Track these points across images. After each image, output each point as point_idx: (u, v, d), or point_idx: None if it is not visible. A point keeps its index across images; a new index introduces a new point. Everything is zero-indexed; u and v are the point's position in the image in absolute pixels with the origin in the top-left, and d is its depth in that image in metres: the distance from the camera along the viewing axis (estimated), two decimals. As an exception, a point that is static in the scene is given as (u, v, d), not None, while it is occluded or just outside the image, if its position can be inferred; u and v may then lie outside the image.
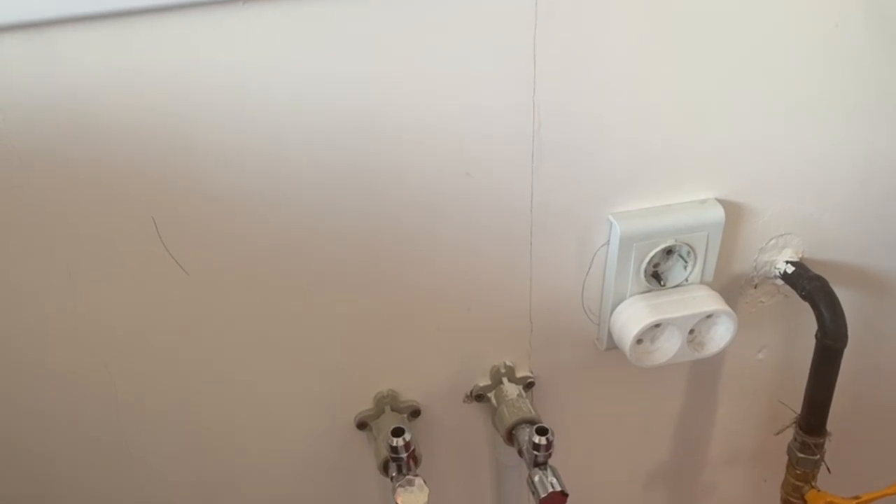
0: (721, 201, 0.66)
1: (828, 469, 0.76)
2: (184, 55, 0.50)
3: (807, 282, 0.69)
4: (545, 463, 0.64)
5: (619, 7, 0.55)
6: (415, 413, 0.72)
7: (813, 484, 0.77)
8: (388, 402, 0.71)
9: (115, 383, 0.64)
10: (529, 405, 0.70)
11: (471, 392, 0.73)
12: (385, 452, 0.64)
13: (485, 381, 0.73)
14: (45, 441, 0.66)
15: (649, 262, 0.66)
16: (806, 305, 0.70)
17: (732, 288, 0.73)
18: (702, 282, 0.68)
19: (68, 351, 0.61)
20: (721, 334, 0.68)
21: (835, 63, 0.62)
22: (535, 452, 0.64)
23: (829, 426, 0.74)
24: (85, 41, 0.49)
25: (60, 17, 0.47)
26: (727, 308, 0.66)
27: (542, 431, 0.64)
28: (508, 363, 0.72)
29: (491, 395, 0.72)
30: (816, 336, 0.69)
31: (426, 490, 0.61)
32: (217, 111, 0.53)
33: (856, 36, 0.61)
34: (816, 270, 0.70)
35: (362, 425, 0.72)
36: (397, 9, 0.52)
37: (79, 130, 0.51)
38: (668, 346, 0.67)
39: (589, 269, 0.68)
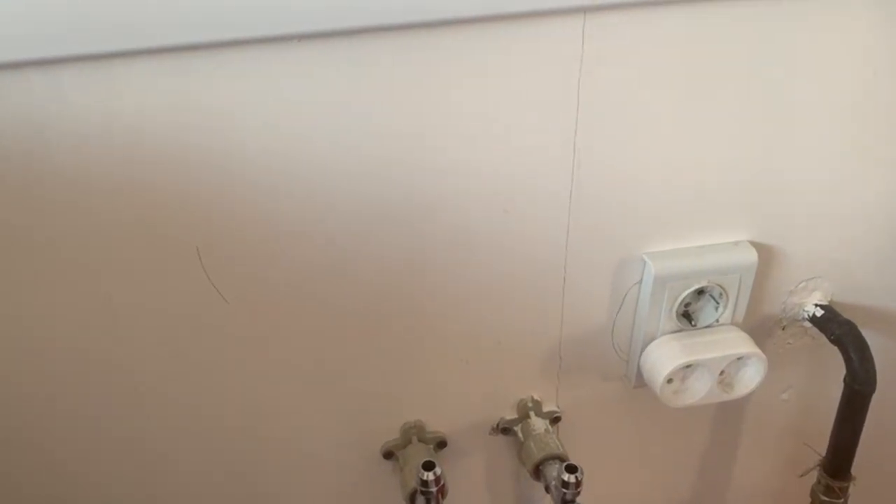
0: (753, 243, 0.66)
1: (852, 513, 0.75)
2: (236, 92, 0.51)
3: (836, 326, 0.69)
4: (573, 501, 0.64)
5: (660, 58, 0.56)
6: (441, 444, 0.72)
7: (836, 527, 0.76)
8: (414, 432, 0.71)
9: (145, 405, 0.64)
10: (557, 440, 0.70)
11: (497, 425, 0.73)
12: (413, 484, 0.64)
13: (512, 415, 0.73)
14: (77, 463, 0.66)
15: (681, 302, 0.66)
16: (832, 348, 0.70)
17: (761, 329, 0.73)
18: (732, 323, 0.68)
19: (103, 375, 0.61)
20: (751, 376, 0.68)
21: (869, 111, 0.63)
22: (564, 490, 0.64)
23: (854, 470, 0.74)
24: (144, 74, 0.49)
25: (123, 50, 0.48)
26: (758, 351, 0.66)
27: (571, 469, 0.64)
28: (536, 397, 0.72)
29: (517, 428, 0.73)
30: (845, 380, 0.69)
31: (455, 525, 0.62)
32: (262, 148, 0.54)
33: (889, 86, 0.62)
34: (845, 314, 0.70)
35: (388, 455, 0.72)
36: (442, 48, 0.53)
37: (131, 161, 0.52)
38: (698, 387, 0.67)
39: (620, 306, 0.68)
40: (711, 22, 0.55)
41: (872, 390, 0.69)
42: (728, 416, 0.80)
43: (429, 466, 0.62)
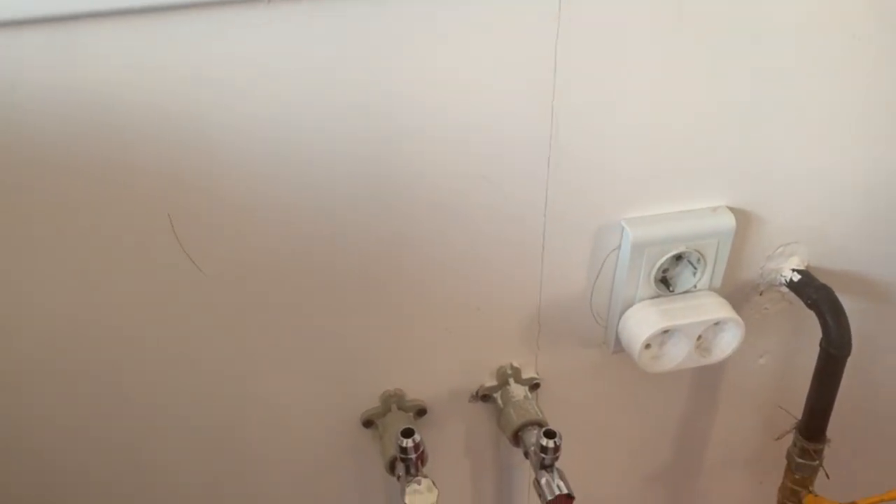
0: (731, 209, 0.66)
1: (826, 475, 0.77)
2: (206, 55, 0.50)
3: (813, 290, 0.70)
4: (552, 465, 0.65)
5: (639, 21, 0.55)
6: (421, 412, 0.72)
7: (811, 489, 0.78)
8: (394, 400, 0.71)
9: (123, 381, 0.64)
10: (536, 407, 0.71)
11: (477, 392, 0.73)
12: (393, 451, 0.65)
13: (491, 382, 0.73)
14: (51, 440, 0.65)
15: (659, 268, 0.66)
16: (808, 313, 0.70)
17: (738, 294, 0.73)
18: (710, 288, 0.68)
19: (79, 349, 0.61)
20: (728, 341, 0.68)
21: (845, 77, 0.63)
22: (543, 455, 0.64)
23: (829, 433, 0.75)
24: (107, 37, 0.48)
25: (83, 11, 0.47)
26: (736, 316, 0.66)
27: (550, 434, 0.64)
28: (515, 364, 0.72)
29: (497, 395, 0.73)
30: (821, 344, 0.70)
31: (435, 491, 0.62)
32: (236, 112, 0.53)
33: (871, 49, 0.61)
34: (822, 279, 0.71)
35: (368, 423, 0.72)
36: (418, 11, 0.52)
37: (97, 126, 0.51)
38: (676, 352, 0.68)
39: (599, 272, 0.68)
40: (690, -17, 0.55)
41: (847, 354, 0.69)
42: (706, 380, 0.80)
43: (408, 433, 0.62)
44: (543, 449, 0.64)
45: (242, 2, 0.49)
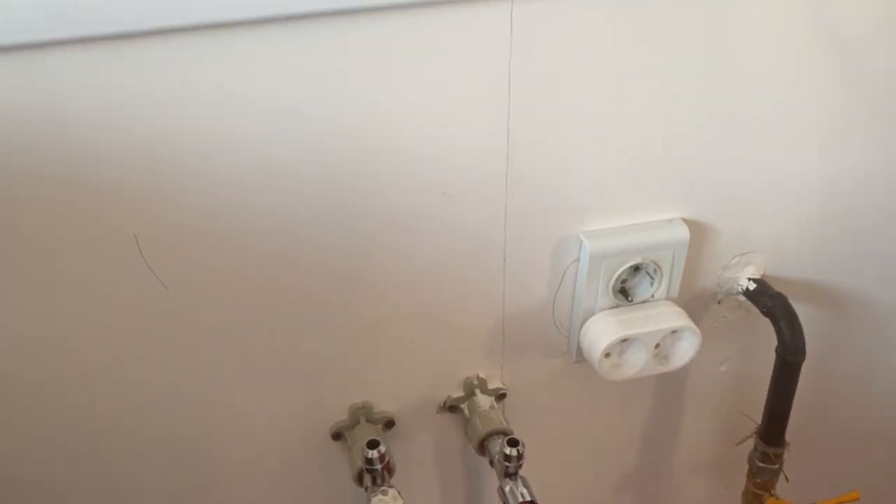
0: (686, 221, 0.69)
1: (786, 478, 0.79)
2: (167, 75, 0.52)
3: (768, 298, 0.72)
4: (516, 474, 0.66)
5: (587, 41, 0.57)
6: (389, 424, 0.74)
7: (772, 492, 0.80)
8: (362, 412, 0.72)
9: (91, 394, 0.64)
10: (501, 416, 0.72)
11: (444, 403, 0.75)
12: (360, 463, 0.66)
13: (458, 393, 0.74)
14: (20, 453, 0.66)
15: (617, 279, 0.68)
16: (766, 320, 0.72)
17: (697, 303, 0.75)
18: (667, 298, 0.70)
19: (46, 364, 0.62)
20: (685, 349, 0.70)
21: (794, 89, 0.65)
22: (507, 463, 0.66)
23: (788, 437, 0.77)
24: (71, 63, 0.49)
25: (49, 40, 0.48)
26: (691, 324, 0.68)
27: (513, 443, 0.66)
28: (481, 375, 0.74)
29: (464, 406, 0.74)
30: (776, 351, 0.72)
31: (400, 500, 0.63)
32: (199, 131, 0.54)
33: (816, 62, 0.64)
34: (777, 287, 0.73)
35: (337, 436, 0.73)
36: (376, 36, 0.53)
37: (62, 149, 0.52)
38: (635, 360, 0.70)
39: (560, 284, 0.70)
40: (635, 5, 0.57)
41: (802, 359, 0.72)
42: (669, 389, 0.82)
43: (373, 445, 0.64)
44: (507, 457, 0.66)
45: (204, 28, 0.50)
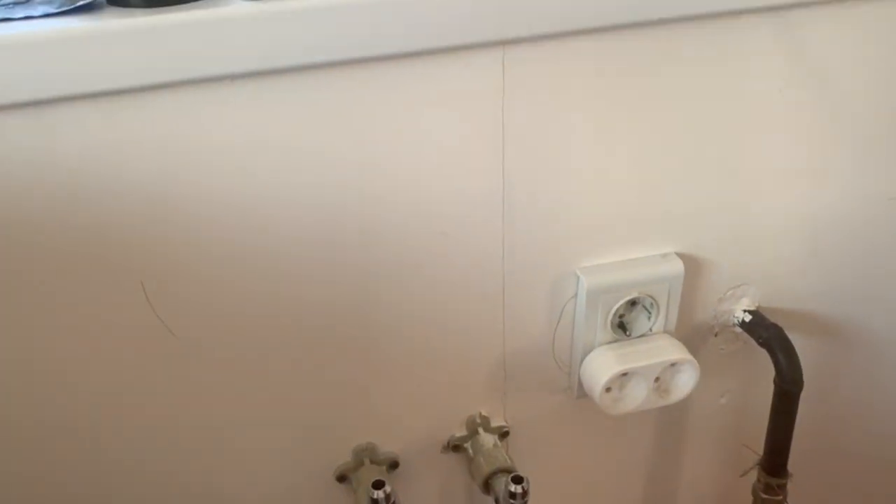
0: (680, 255, 0.70)
1: (790, 509, 0.79)
2: (175, 130, 0.53)
3: (763, 330, 0.73)
4: (521, 511, 0.67)
5: (576, 84, 0.60)
6: (393, 465, 0.74)
7: (777, 524, 0.80)
8: (367, 454, 0.73)
9: (99, 437, 0.65)
10: (505, 454, 0.72)
11: (448, 443, 0.75)
12: (366, 504, 0.66)
13: (461, 432, 0.75)
14: (27, 497, 0.66)
15: (615, 314, 0.69)
16: (763, 351, 0.73)
17: (695, 336, 0.76)
18: (665, 331, 0.72)
19: (55, 408, 0.62)
20: (685, 381, 0.71)
21: (779, 126, 0.67)
22: (512, 501, 0.66)
23: (791, 467, 0.77)
24: (79, 117, 0.51)
25: (57, 96, 0.50)
26: (689, 356, 0.69)
27: (517, 480, 0.66)
28: (484, 413, 0.75)
29: (468, 445, 0.75)
30: (774, 381, 0.73)
31: (407, 541, 0.63)
32: (205, 183, 0.56)
33: (799, 101, 0.66)
34: (772, 318, 0.74)
35: (342, 478, 0.73)
36: (374, 85, 0.56)
37: (70, 199, 0.54)
38: (636, 394, 0.70)
39: (558, 320, 0.71)
40: (621, 49, 0.59)
41: (800, 389, 0.73)
42: (670, 422, 0.83)
43: (378, 485, 0.64)
44: (512, 495, 0.66)
45: (207, 81, 0.52)
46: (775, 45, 0.63)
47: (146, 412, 0.65)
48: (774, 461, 0.77)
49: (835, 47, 0.65)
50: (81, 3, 0.50)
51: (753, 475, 0.80)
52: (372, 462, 0.73)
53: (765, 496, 0.78)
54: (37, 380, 0.61)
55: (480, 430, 0.74)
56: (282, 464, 0.71)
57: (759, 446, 0.78)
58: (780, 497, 0.78)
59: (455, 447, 0.75)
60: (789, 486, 0.78)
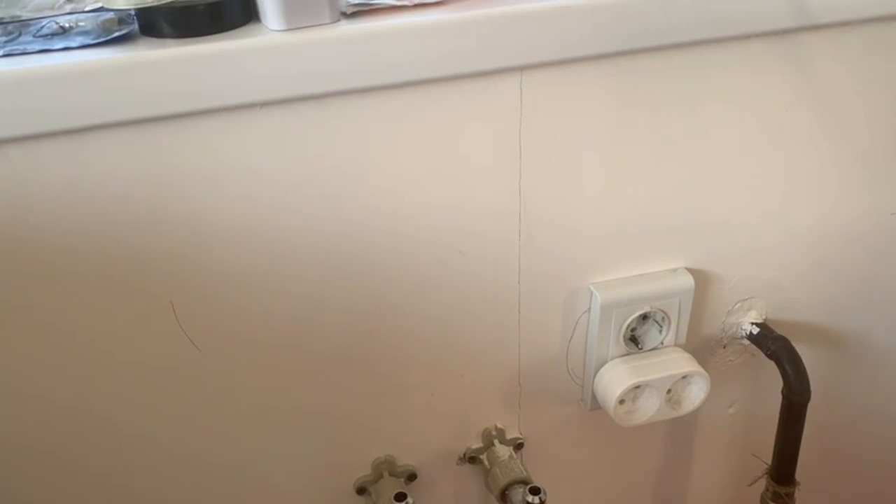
0: (690, 270, 0.72)
1: (799, 517, 0.81)
2: (205, 156, 0.55)
3: (771, 342, 0.75)
4: (539, 521, 0.68)
5: (591, 106, 0.62)
6: (411, 477, 0.76)
7: (786, 532, 0.81)
8: (385, 467, 0.74)
9: (123, 450, 0.67)
10: (521, 465, 0.74)
11: (464, 455, 0.77)
12: (387, 516, 0.68)
13: (477, 444, 0.77)
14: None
15: (627, 328, 0.71)
16: (770, 363, 0.75)
17: (704, 348, 0.78)
18: (676, 344, 0.73)
19: (81, 422, 0.64)
20: (696, 393, 0.73)
21: (785, 144, 0.69)
22: (529, 511, 0.68)
23: (798, 476, 0.79)
24: (114, 144, 0.53)
25: (93, 124, 0.52)
26: (700, 369, 0.71)
27: (535, 491, 0.68)
28: (499, 425, 0.76)
29: (483, 457, 0.76)
30: (782, 392, 0.75)
31: (428, 551, 0.65)
32: (231, 207, 0.58)
33: (803, 119, 0.68)
34: (779, 331, 0.76)
35: (361, 490, 0.75)
36: (397, 109, 0.58)
37: (106, 226, 0.56)
38: (648, 406, 0.72)
39: (572, 334, 0.73)
40: (631, 73, 0.61)
41: (808, 399, 0.74)
42: (680, 433, 0.84)
43: (400, 497, 0.66)
44: (530, 505, 0.68)
45: (236, 108, 0.54)
46: (781, 66, 0.65)
47: (167, 424, 0.66)
48: (782, 470, 0.79)
49: (837, 68, 0.67)
50: (117, 34, 0.52)
51: (762, 484, 0.81)
52: (391, 475, 0.74)
53: (774, 505, 0.80)
54: (66, 393, 0.62)
55: (496, 441, 0.76)
56: (302, 477, 0.73)
57: (767, 456, 0.80)
58: (789, 506, 0.80)
59: (471, 459, 0.77)
60: (797, 494, 0.80)
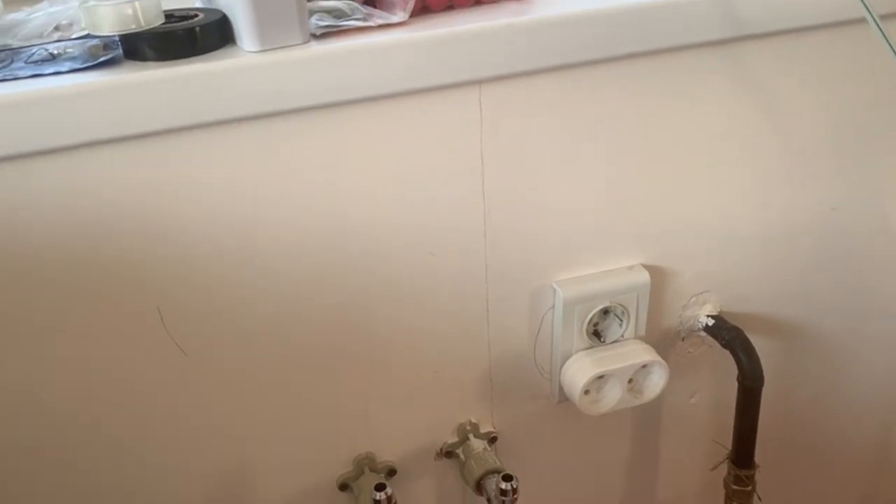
0: (646, 266, 0.77)
1: (759, 498, 0.85)
2: (188, 169, 0.59)
3: (725, 332, 0.80)
4: (512, 507, 0.72)
5: (547, 115, 0.67)
6: (391, 472, 0.79)
7: (748, 513, 0.86)
8: (366, 463, 0.78)
9: (112, 454, 0.70)
10: (495, 457, 0.78)
11: (441, 449, 0.81)
12: (368, 508, 0.71)
13: (453, 439, 0.80)
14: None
15: (589, 322, 0.75)
16: (727, 353, 0.80)
17: (664, 341, 0.83)
18: (636, 337, 0.78)
19: (74, 427, 0.67)
20: (656, 381, 0.78)
21: (731, 147, 0.75)
22: (503, 498, 0.72)
23: (758, 460, 0.84)
24: (102, 161, 0.57)
25: (80, 142, 0.56)
26: (659, 358, 0.76)
27: (507, 478, 0.72)
28: (473, 420, 0.80)
29: (459, 450, 0.80)
30: (738, 379, 0.80)
31: (408, 538, 0.68)
32: (213, 217, 0.62)
33: (748, 123, 0.74)
34: (733, 322, 0.81)
35: (343, 487, 0.78)
36: (366, 121, 0.62)
37: (95, 237, 0.59)
38: (611, 395, 0.77)
39: (538, 330, 0.77)
40: (585, 83, 0.66)
41: (761, 385, 0.79)
42: (646, 422, 0.89)
43: (380, 487, 0.69)
44: (503, 492, 0.72)
45: (215, 125, 0.58)
46: (726, 74, 0.71)
47: (154, 425, 0.69)
48: (742, 454, 0.83)
49: (779, 75, 0.72)
50: (103, 58, 0.56)
51: (724, 468, 0.86)
52: (371, 470, 0.78)
53: (735, 487, 0.84)
54: (59, 395, 0.65)
55: (471, 436, 0.80)
56: (286, 475, 0.76)
57: (728, 442, 0.85)
58: (750, 487, 0.84)
59: (448, 453, 0.81)
60: (757, 476, 0.84)
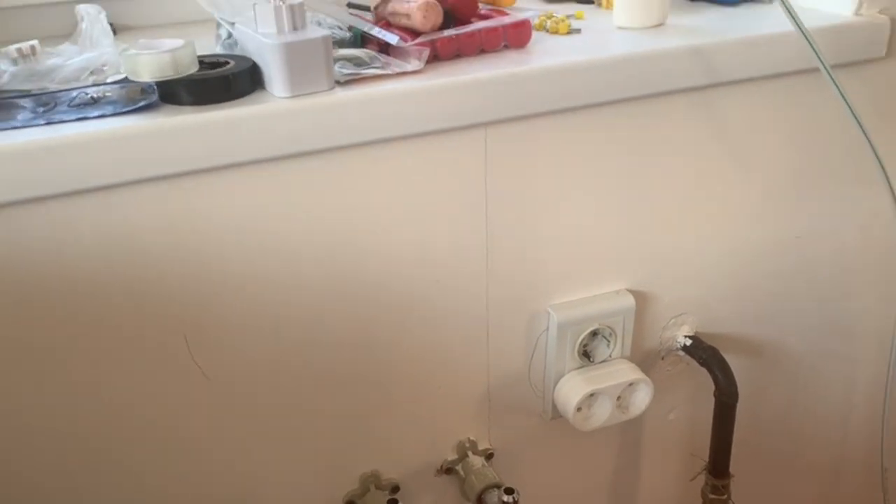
0: (631, 291, 0.83)
1: (735, 506, 0.92)
2: (217, 205, 0.64)
3: (702, 351, 0.87)
4: (513, 518, 0.77)
5: (546, 155, 0.73)
6: (395, 489, 0.83)
7: (725, 521, 0.92)
8: (371, 481, 0.82)
9: (135, 476, 0.72)
10: (493, 472, 0.83)
11: (442, 466, 0.85)
12: (378, 523, 0.75)
13: (453, 456, 0.85)
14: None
15: (580, 343, 0.81)
16: (704, 371, 0.87)
17: (646, 360, 0.89)
18: (622, 356, 0.84)
19: (99, 440, 0.70)
20: (641, 398, 0.84)
21: (705, 183, 0.82)
22: (505, 510, 0.77)
23: (733, 470, 0.90)
24: (138, 198, 0.61)
25: (121, 181, 0.60)
26: (644, 376, 0.82)
27: (509, 491, 0.77)
28: (472, 438, 0.85)
29: (459, 467, 0.85)
30: (714, 394, 0.86)
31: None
32: (240, 250, 0.66)
33: (720, 160, 0.81)
34: (709, 342, 0.88)
35: (350, 504, 0.82)
36: (378, 162, 0.68)
37: (129, 270, 0.63)
38: (601, 412, 0.82)
39: (533, 352, 0.83)
40: (580, 127, 0.73)
41: (736, 400, 0.86)
42: (630, 438, 0.95)
43: (392, 503, 0.73)
44: (505, 504, 0.77)
45: (245, 164, 0.63)
46: (698, 116, 0.78)
47: (175, 447, 0.73)
48: (718, 464, 0.90)
49: (746, 117, 0.80)
50: (142, 103, 0.61)
51: (702, 479, 0.92)
52: (377, 488, 0.82)
53: (712, 496, 0.91)
54: (83, 417, 0.68)
55: (469, 453, 0.85)
56: (297, 493, 0.80)
57: (705, 455, 0.91)
58: (725, 496, 0.91)
59: (448, 470, 0.85)
60: (732, 485, 0.91)
